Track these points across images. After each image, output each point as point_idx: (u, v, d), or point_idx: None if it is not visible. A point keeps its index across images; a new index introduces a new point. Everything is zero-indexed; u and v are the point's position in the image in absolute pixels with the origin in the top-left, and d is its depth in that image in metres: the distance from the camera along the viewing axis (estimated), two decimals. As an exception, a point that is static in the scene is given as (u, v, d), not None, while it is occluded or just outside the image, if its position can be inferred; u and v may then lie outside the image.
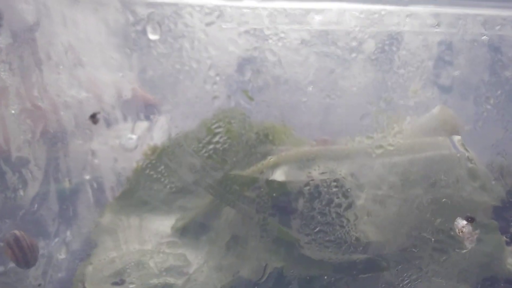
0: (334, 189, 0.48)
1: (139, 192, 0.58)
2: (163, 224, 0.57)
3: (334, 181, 0.49)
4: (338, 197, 0.48)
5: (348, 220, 0.47)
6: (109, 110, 0.50)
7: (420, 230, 0.51)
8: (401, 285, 0.44)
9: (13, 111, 0.43)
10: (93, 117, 0.38)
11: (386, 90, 0.54)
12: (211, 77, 0.50)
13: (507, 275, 0.50)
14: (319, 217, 0.46)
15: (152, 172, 0.55)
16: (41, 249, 0.48)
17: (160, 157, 0.54)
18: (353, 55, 0.53)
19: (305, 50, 0.54)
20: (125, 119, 0.49)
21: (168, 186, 0.56)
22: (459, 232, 0.41)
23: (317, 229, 0.45)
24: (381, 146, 0.54)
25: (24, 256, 0.38)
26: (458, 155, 0.53)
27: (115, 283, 0.48)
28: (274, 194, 0.45)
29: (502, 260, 0.52)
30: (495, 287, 0.46)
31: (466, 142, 0.56)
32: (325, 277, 0.42)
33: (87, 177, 0.57)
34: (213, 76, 0.50)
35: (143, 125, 0.51)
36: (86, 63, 0.50)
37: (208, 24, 0.46)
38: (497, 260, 0.48)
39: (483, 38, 0.55)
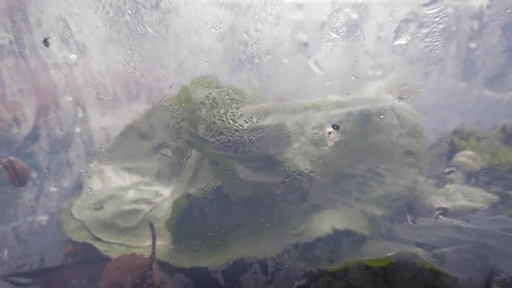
0: (277, 133, 0.57)
1: (126, 147, 0.69)
2: (143, 171, 0.67)
3: (278, 126, 0.58)
4: (280, 138, 0.57)
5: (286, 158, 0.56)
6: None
7: (350, 168, 0.60)
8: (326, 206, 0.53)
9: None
10: (45, 41, 0.46)
11: (354, 60, 0.62)
12: (194, 49, 0.59)
13: (428, 207, 0.59)
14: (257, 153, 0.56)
15: (138, 131, 0.65)
16: (34, 179, 0.59)
17: (146, 117, 0.63)
18: (325, 28, 0.62)
19: (281, 25, 0.62)
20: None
21: (151, 142, 0.66)
22: (326, 134, 0.50)
23: (256, 163, 0.54)
24: (326, 102, 0.63)
25: (17, 175, 0.49)
26: (392, 105, 0.62)
27: (95, 209, 0.59)
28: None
29: (423, 195, 0.61)
30: (409, 212, 0.55)
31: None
32: (264, 199, 0.52)
33: (78, 130, 0.68)
34: (196, 47, 0.59)
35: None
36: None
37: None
38: (410, 191, 0.56)
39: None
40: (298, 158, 0.57)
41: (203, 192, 0.49)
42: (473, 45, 0.62)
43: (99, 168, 0.69)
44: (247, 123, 0.48)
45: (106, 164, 0.68)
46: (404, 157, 0.60)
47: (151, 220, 0.47)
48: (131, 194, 0.62)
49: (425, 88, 0.74)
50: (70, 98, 0.66)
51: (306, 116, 0.63)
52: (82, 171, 0.68)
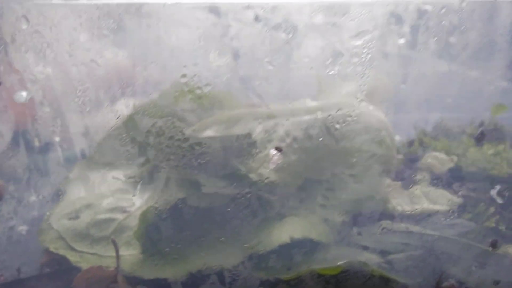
0: (246, 142, 0.59)
1: (106, 154, 0.71)
2: (121, 177, 0.69)
3: (245, 136, 0.60)
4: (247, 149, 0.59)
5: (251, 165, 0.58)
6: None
7: (315, 174, 0.63)
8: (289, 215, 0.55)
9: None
10: None
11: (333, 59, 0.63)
12: (175, 52, 0.60)
13: (390, 211, 0.61)
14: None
15: (118, 137, 0.68)
16: (13, 192, 0.62)
17: (125, 124, 0.65)
18: (304, 28, 0.63)
19: (260, 25, 0.64)
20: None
21: (130, 148, 0.69)
22: (270, 156, 0.53)
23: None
24: (295, 109, 0.65)
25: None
26: (356, 111, 0.64)
27: (71, 218, 0.61)
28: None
29: (385, 200, 0.63)
30: (371, 217, 0.57)
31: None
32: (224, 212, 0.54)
33: (57, 138, 0.71)
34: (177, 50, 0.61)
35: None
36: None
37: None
38: (372, 198, 0.58)
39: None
40: (263, 166, 0.59)
41: (167, 204, 0.52)
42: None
43: (78, 176, 0.72)
44: (195, 148, 0.50)
45: (86, 174, 0.71)
46: (368, 163, 0.62)
47: (113, 237, 0.49)
48: (107, 202, 0.65)
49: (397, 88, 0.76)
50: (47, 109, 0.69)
51: (275, 123, 0.65)
52: (61, 179, 0.71)
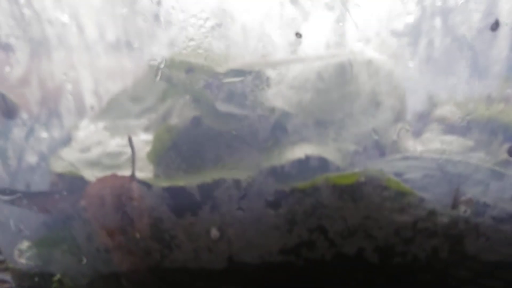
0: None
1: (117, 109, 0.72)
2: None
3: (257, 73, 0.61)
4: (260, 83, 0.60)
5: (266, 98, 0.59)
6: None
7: (327, 115, 0.63)
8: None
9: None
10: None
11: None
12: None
13: (403, 150, 0.61)
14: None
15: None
16: (25, 119, 0.62)
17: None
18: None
19: None
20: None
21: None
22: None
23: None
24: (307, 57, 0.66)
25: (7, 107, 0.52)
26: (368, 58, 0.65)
27: (82, 151, 0.61)
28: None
29: (399, 140, 0.63)
30: (384, 149, 0.57)
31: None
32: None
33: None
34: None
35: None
36: None
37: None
38: (384, 130, 0.59)
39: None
40: (276, 100, 0.60)
41: (182, 123, 0.52)
42: None
43: (89, 124, 0.72)
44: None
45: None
46: (380, 105, 0.62)
47: (129, 135, 0.49)
48: (118, 140, 0.65)
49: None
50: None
51: (287, 68, 0.65)
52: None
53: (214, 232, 0.46)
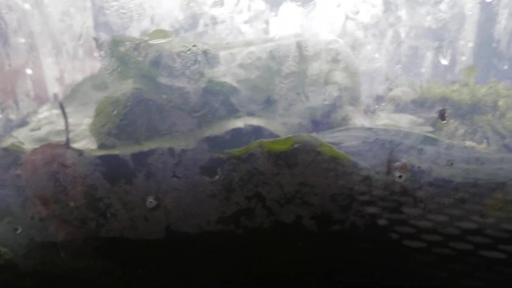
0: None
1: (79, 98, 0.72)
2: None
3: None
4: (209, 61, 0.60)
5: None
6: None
7: (276, 93, 0.63)
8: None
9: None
10: None
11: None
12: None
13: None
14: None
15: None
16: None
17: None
18: None
19: None
20: None
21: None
22: None
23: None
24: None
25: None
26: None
27: (33, 129, 0.61)
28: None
29: (345, 117, 0.63)
30: (328, 124, 0.57)
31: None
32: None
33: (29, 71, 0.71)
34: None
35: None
36: None
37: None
38: (330, 106, 0.59)
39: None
40: (224, 77, 0.60)
41: (123, 95, 0.52)
42: None
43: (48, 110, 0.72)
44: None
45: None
46: (329, 84, 0.63)
47: (61, 102, 0.49)
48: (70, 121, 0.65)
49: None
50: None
51: (240, 50, 0.66)
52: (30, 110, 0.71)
53: (151, 201, 0.46)
